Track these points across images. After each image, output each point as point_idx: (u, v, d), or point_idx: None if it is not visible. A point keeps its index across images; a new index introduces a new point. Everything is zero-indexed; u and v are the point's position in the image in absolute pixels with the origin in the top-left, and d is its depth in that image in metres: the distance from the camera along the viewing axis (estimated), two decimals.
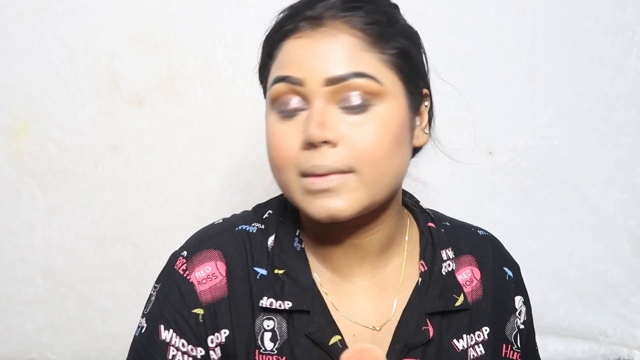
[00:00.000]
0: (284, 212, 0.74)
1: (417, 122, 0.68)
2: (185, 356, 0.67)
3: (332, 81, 0.60)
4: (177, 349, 0.67)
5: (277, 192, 0.73)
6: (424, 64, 0.69)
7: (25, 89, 1.12)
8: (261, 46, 0.69)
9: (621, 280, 1.30)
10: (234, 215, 0.76)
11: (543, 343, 1.28)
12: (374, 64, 0.62)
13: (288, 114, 0.63)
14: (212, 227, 0.74)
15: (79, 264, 1.18)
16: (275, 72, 0.64)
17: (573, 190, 1.26)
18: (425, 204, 0.82)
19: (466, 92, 1.20)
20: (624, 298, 1.30)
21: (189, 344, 0.67)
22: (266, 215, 0.74)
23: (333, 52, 0.61)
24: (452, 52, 1.18)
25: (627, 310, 1.31)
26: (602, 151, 1.25)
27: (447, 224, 0.78)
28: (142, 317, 0.71)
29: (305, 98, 0.62)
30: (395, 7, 0.69)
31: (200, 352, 0.67)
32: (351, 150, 0.60)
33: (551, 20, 1.20)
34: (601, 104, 1.24)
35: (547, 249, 1.28)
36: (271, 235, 0.72)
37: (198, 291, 0.67)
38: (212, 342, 0.68)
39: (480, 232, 0.80)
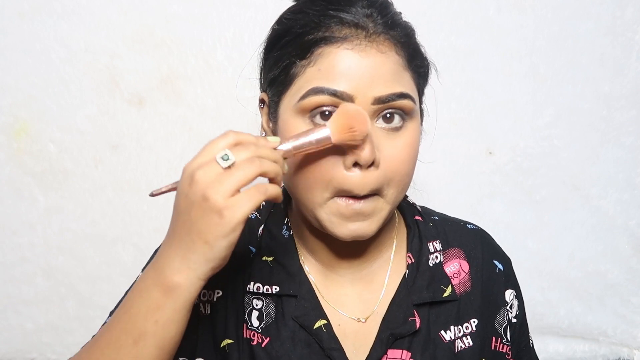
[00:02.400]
0: (275, 204, 0.76)
1: None
2: None
3: (380, 100, 0.60)
4: None
5: None
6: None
7: (25, 89, 1.12)
8: (279, 36, 0.65)
9: (621, 280, 1.30)
10: None
11: (543, 343, 1.29)
12: (410, 83, 0.63)
13: None
14: None
15: (79, 263, 1.18)
16: (317, 81, 0.60)
17: (573, 190, 1.26)
18: (425, 204, 0.82)
19: (466, 92, 1.21)
20: (624, 298, 1.30)
21: None
22: (260, 207, 0.76)
23: (384, 71, 0.60)
24: (452, 52, 1.18)
25: (627, 310, 1.31)
26: (602, 151, 1.25)
27: (436, 218, 0.79)
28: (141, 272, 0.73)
29: None
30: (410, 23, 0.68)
31: None
32: (384, 171, 0.61)
33: (551, 20, 1.20)
34: (601, 104, 1.24)
35: (547, 249, 1.28)
36: (261, 224, 0.74)
37: None
38: (203, 295, 0.70)
39: (469, 226, 0.80)
